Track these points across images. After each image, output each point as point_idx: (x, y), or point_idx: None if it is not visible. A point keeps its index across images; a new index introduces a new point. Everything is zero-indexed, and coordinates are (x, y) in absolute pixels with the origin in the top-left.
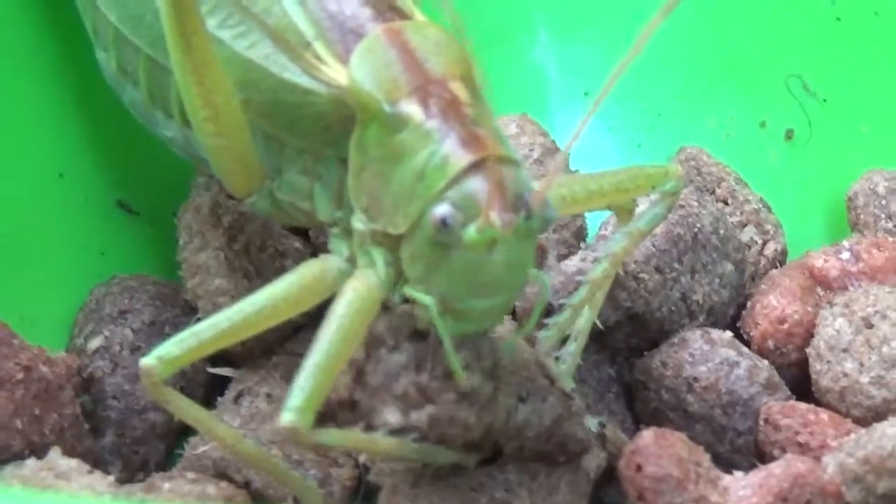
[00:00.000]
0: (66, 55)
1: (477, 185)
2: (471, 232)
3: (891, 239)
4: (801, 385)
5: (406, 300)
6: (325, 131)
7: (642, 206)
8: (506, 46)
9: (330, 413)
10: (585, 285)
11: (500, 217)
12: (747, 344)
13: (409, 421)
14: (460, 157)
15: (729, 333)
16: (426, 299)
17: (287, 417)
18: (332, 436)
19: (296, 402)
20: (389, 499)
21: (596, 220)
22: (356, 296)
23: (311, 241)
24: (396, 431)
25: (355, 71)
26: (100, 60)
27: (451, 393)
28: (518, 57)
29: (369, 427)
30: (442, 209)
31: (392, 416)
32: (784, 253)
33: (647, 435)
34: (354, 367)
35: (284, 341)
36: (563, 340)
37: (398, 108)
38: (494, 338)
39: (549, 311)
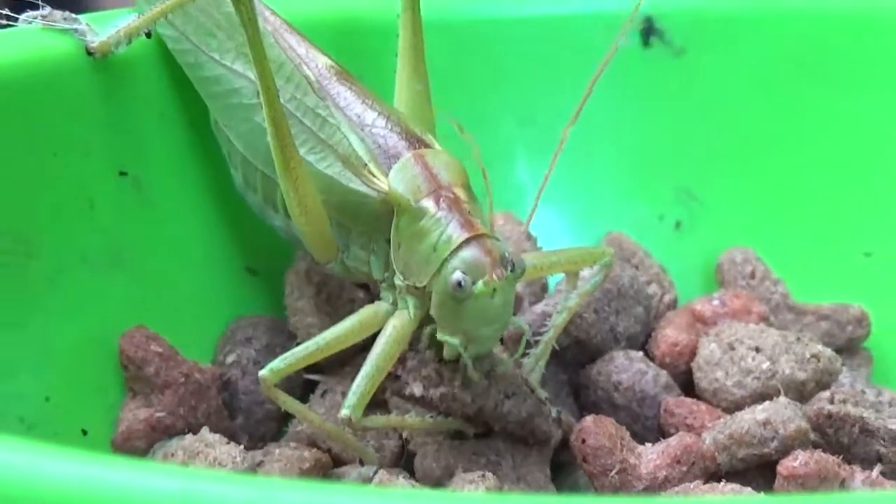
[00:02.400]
0: (211, 171)
1: (477, 256)
2: (479, 286)
3: (744, 292)
4: (688, 387)
5: (434, 341)
6: (376, 221)
7: (586, 273)
8: (497, 169)
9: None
10: (552, 328)
11: (497, 273)
12: (653, 360)
13: (428, 394)
14: (459, 235)
15: (641, 353)
16: (453, 340)
17: (345, 412)
18: (376, 421)
19: (351, 401)
20: (422, 460)
21: (553, 280)
22: (394, 330)
23: (371, 292)
24: (418, 400)
25: (392, 181)
26: (232, 174)
27: (458, 382)
28: (505, 176)
29: (401, 394)
30: (457, 276)
31: (417, 389)
32: (675, 301)
33: (588, 419)
34: (401, 353)
35: (353, 357)
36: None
37: (420, 204)
38: (493, 355)
39: (528, 344)
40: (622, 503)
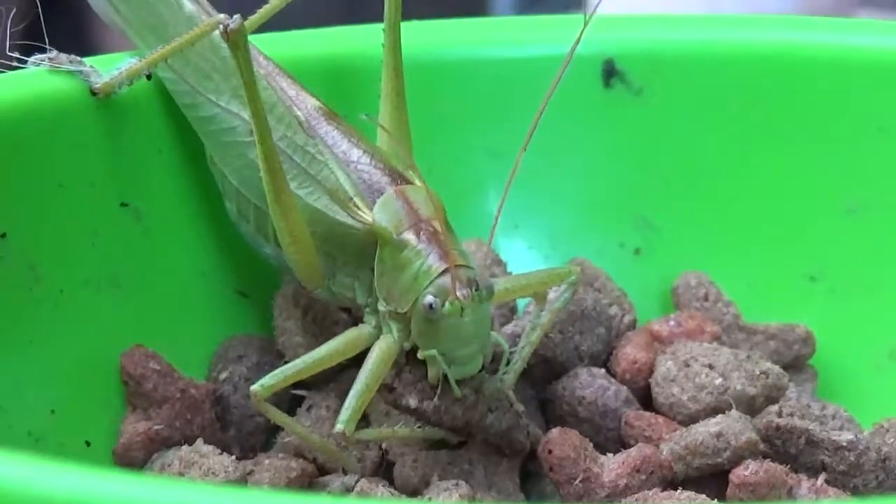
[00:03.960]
0: (206, 203)
1: (447, 281)
2: (447, 307)
3: (698, 313)
4: (647, 401)
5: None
6: (361, 251)
7: (553, 294)
8: (468, 199)
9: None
10: (528, 344)
11: (462, 293)
12: (614, 376)
13: (421, 406)
14: (438, 266)
15: (603, 370)
16: (438, 358)
17: (339, 427)
18: (367, 433)
19: (344, 417)
20: (400, 469)
21: (522, 304)
22: (380, 351)
23: (354, 316)
24: (412, 411)
25: (376, 214)
26: (226, 207)
27: (450, 395)
28: (476, 206)
29: (397, 405)
30: (428, 298)
31: (412, 401)
32: (635, 322)
33: (554, 431)
34: (397, 368)
35: (337, 375)
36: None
37: (402, 237)
38: (481, 374)
39: (508, 360)
40: None
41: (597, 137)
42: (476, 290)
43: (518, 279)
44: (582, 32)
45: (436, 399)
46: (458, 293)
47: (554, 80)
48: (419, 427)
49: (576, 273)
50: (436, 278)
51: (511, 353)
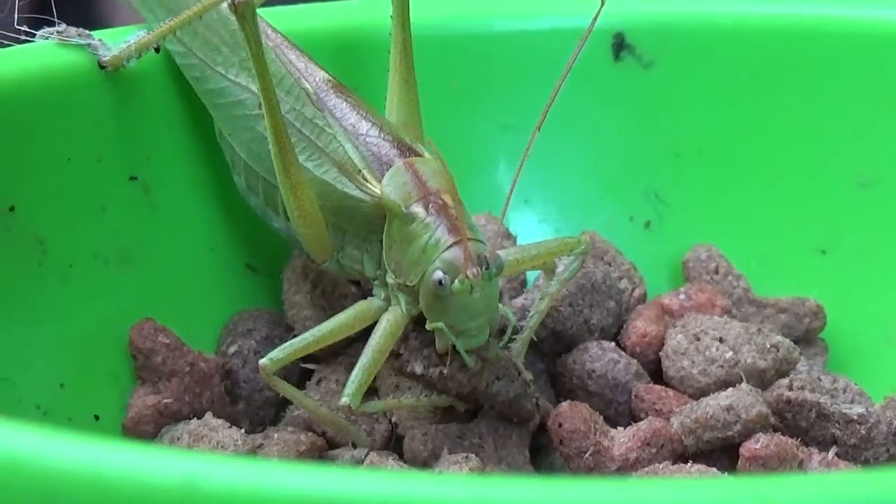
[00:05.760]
0: (215, 177)
1: (457, 256)
2: (456, 284)
3: (709, 286)
4: (657, 375)
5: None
6: (369, 224)
7: (562, 265)
8: (479, 173)
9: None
10: (536, 313)
11: (471, 272)
12: (624, 350)
13: (427, 373)
14: (447, 239)
15: (613, 343)
16: (445, 330)
17: (344, 399)
18: (373, 406)
19: (350, 390)
20: (410, 443)
21: (531, 277)
22: (388, 324)
23: (362, 289)
24: (418, 378)
25: (385, 187)
26: (235, 180)
27: (456, 363)
28: (486, 179)
29: (402, 371)
30: (437, 275)
31: (418, 368)
32: (645, 295)
33: (564, 404)
34: (404, 334)
35: (346, 348)
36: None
37: (410, 210)
38: (487, 342)
39: (515, 330)
40: (596, 483)
41: (607, 111)
42: (486, 268)
43: (528, 249)
44: (598, 12)
45: (445, 368)
46: (468, 271)
47: (569, 60)
48: (425, 396)
49: (585, 242)
50: (444, 251)
51: (519, 325)
